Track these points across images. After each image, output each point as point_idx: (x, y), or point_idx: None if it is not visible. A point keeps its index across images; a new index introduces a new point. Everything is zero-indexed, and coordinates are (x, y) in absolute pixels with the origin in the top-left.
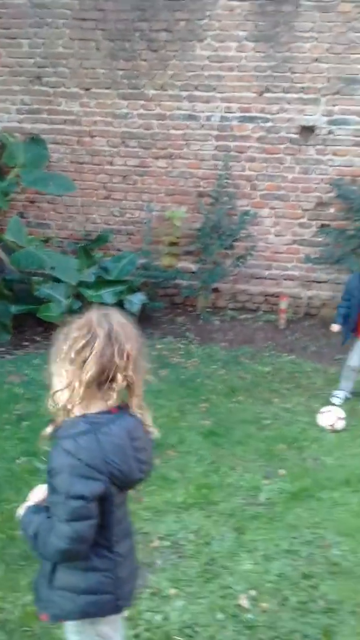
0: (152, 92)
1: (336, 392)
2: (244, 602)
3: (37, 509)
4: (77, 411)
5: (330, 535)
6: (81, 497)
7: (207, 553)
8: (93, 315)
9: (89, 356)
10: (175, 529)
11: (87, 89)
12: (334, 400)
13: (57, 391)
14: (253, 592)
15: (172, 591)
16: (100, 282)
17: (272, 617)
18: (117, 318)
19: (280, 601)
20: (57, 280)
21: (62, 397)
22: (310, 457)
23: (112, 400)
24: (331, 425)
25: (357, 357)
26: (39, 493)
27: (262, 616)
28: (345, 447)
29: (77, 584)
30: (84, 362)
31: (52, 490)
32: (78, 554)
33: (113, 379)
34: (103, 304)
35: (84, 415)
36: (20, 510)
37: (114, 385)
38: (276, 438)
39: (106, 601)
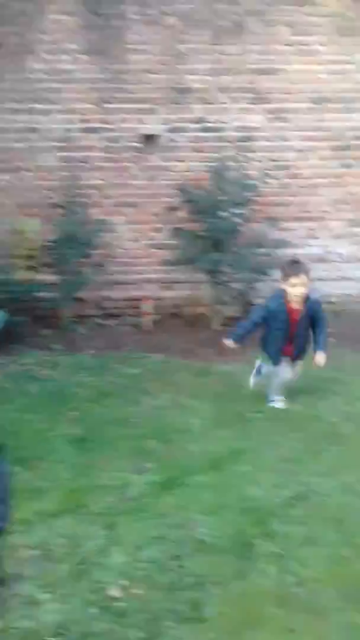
0: None
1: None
2: (115, 592)
3: None
4: None
5: (196, 516)
6: None
7: (78, 554)
8: None
9: None
10: (45, 537)
11: None
12: (276, 404)
13: None
14: (124, 582)
15: (43, 596)
16: None
17: (143, 601)
18: None
19: (150, 585)
20: None
21: None
22: (178, 448)
23: None
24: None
25: (287, 371)
26: None
27: (134, 601)
28: (209, 434)
29: None
30: None
31: None
32: None
33: None
34: None
35: None
36: None
37: None
38: (145, 435)
39: None
